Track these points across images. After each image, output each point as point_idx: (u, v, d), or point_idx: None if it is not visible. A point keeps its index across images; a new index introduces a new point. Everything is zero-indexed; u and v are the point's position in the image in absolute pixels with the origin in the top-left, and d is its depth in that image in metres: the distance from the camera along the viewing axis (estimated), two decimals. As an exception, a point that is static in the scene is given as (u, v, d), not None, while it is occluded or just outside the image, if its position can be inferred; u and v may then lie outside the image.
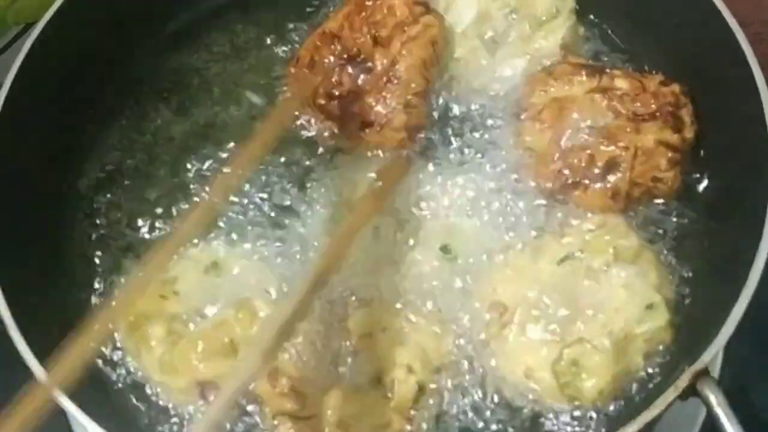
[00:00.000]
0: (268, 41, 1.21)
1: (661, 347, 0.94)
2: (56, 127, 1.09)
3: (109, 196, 1.10)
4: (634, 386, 0.93)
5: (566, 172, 1.02)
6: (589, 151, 1.01)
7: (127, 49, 1.19)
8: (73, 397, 0.83)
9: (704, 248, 1.00)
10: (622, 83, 1.04)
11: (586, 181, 1.01)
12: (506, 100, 1.10)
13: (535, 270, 0.97)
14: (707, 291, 0.96)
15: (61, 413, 1.03)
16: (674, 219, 1.03)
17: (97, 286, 1.04)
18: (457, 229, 1.03)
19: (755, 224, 0.87)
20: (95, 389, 0.95)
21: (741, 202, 0.96)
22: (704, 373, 0.81)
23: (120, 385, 0.98)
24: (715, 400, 0.80)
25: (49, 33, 1.06)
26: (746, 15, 1.05)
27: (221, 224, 1.05)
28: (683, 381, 0.81)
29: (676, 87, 1.04)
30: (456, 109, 1.11)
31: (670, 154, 1.00)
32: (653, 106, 1.01)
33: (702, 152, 1.06)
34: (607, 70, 1.07)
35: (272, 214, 1.06)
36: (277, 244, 1.03)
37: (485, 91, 1.11)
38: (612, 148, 1.00)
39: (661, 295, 0.94)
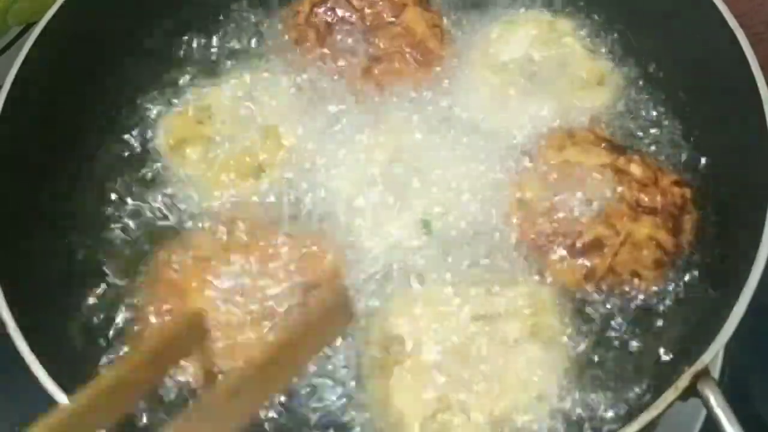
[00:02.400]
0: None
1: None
2: (56, 127, 1.09)
3: (110, 196, 1.10)
4: (634, 387, 0.93)
5: (550, 235, 0.98)
6: (580, 224, 0.98)
7: (127, 49, 1.19)
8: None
9: (704, 249, 1.00)
10: (636, 169, 1.01)
11: (565, 252, 0.97)
12: (519, 144, 1.08)
13: (448, 315, 0.93)
14: (707, 292, 0.96)
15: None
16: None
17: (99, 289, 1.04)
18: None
19: (755, 224, 0.87)
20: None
21: (741, 202, 0.96)
22: (704, 373, 0.81)
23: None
24: (715, 401, 0.80)
25: (49, 34, 1.06)
26: (747, 15, 1.05)
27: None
28: (683, 381, 0.81)
29: (687, 191, 1.01)
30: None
31: (658, 254, 0.96)
32: (659, 201, 0.98)
33: (701, 153, 1.06)
34: (628, 152, 1.03)
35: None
36: (304, 75, 1.14)
37: (503, 130, 1.09)
38: (603, 228, 0.97)
39: (557, 388, 0.90)
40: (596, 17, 1.19)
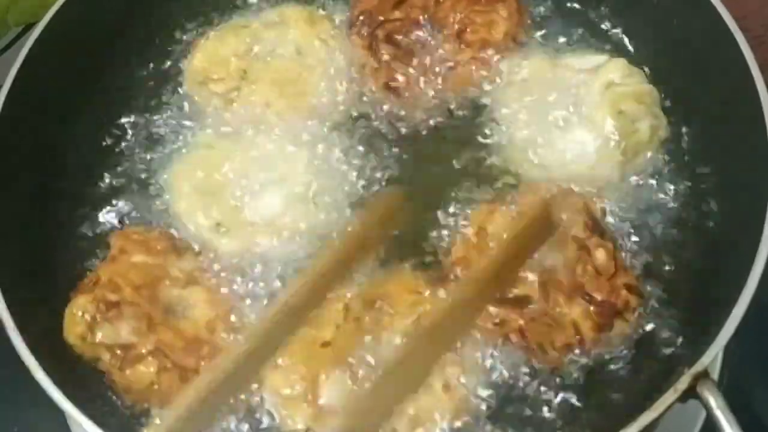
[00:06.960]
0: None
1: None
2: (56, 128, 1.09)
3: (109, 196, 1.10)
4: (634, 387, 0.93)
5: None
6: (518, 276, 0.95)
7: (127, 49, 1.19)
8: (71, 397, 0.84)
9: (703, 250, 1.01)
10: (600, 256, 0.96)
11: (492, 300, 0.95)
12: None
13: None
14: (707, 293, 0.96)
15: (59, 413, 1.04)
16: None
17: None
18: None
19: (755, 225, 0.87)
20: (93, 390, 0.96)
21: (741, 203, 0.96)
22: (704, 375, 0.81)
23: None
24: (715, 403, 0.79)
25: (49, 33, 1.06)
26: (747, 18, 1.05)
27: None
28: (683, 383, 0.81)
29: (635, 300, 0.96)
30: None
31: (572, 341, 0.93)
32: (598, 296, 0.94)
33: (702, 155, 1.06)
34: (605, 238, 0.98)
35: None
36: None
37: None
38: (536, 290, 0.95)
39: None
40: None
